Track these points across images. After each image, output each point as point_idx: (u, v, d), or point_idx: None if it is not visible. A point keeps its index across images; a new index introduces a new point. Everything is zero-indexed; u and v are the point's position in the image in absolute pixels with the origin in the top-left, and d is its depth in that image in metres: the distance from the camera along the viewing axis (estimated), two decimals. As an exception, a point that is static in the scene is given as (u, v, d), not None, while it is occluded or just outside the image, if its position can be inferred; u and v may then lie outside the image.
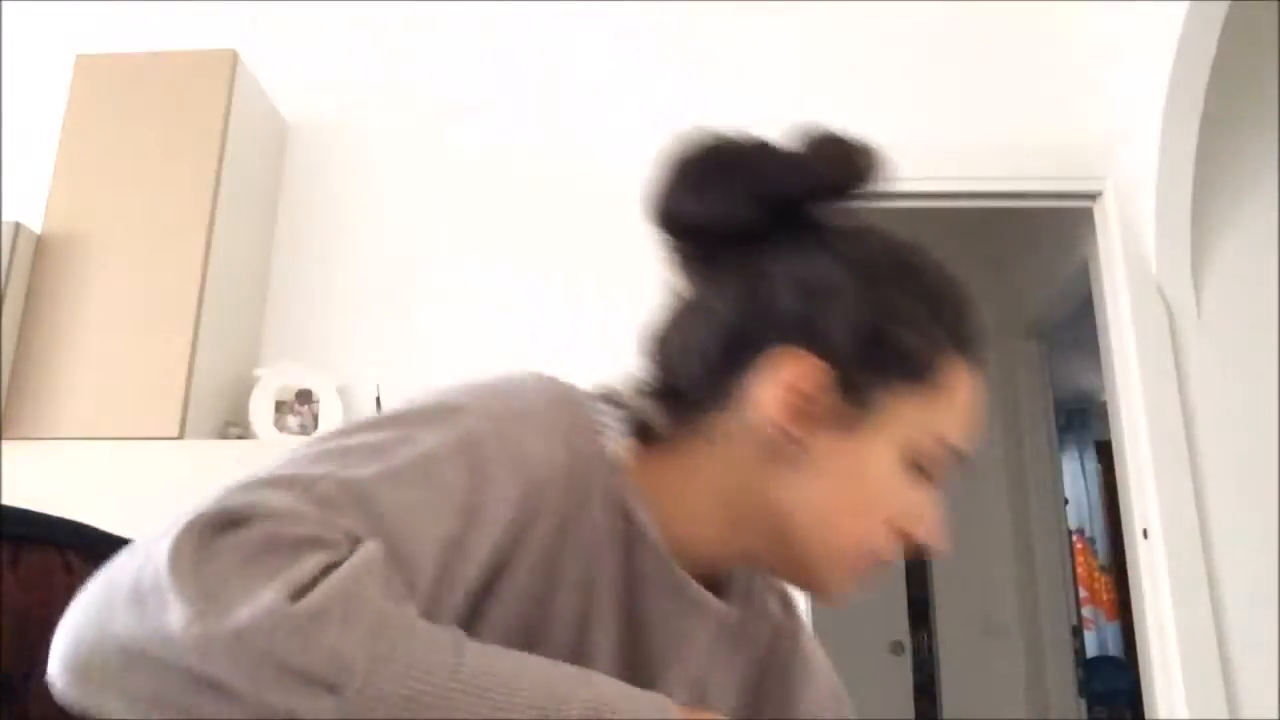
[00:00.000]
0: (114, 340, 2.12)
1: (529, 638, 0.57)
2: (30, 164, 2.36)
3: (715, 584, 0.67)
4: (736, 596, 0.69)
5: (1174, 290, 2.33)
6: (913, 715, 3.86)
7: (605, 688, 0.49)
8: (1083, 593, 5.80)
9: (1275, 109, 2.36)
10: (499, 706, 0.45)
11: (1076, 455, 6.13)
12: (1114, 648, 5.94)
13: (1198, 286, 2.33)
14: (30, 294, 2.16)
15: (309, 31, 2.66)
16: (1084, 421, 6.07)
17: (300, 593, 0.42)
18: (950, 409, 0.62)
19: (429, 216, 2.51)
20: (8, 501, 0.72)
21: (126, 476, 1.97)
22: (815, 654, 0.77)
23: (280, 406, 2.25)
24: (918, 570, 4.05)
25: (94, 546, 0.69)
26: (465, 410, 0.56)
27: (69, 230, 2.20)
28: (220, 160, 2.25)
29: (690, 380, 0.63)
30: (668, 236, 0.64)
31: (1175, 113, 2.21)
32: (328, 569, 0.44)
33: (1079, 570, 5.74)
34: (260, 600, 0.41)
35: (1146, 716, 2.27)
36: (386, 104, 2.60)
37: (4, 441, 2.02)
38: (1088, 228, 2.53)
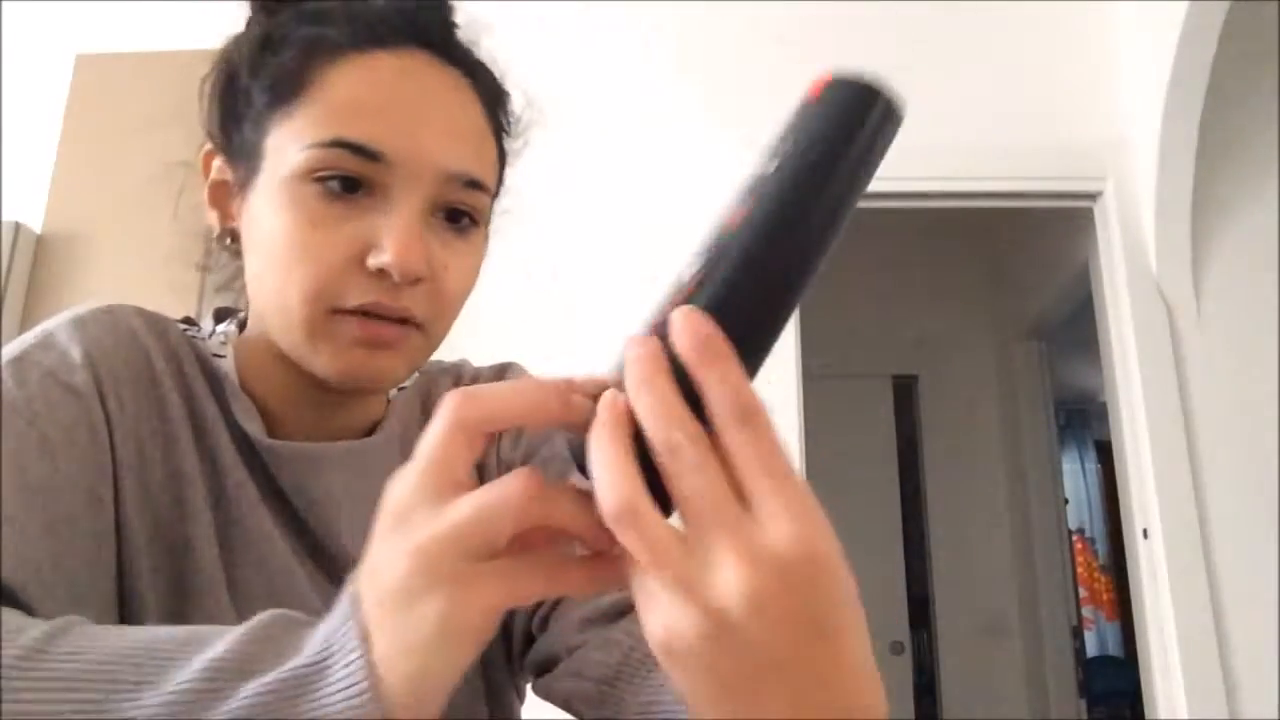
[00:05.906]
0: (114, 340, 2.12)
1: (174, 551, 0.56)
2: (30, 164, 2.35)
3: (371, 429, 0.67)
4: (388, 422, 0.68)
5: (1174, 290, 2.33)
6: (913, 715, 3.86)
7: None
8: (1083, 593, 5.81)
9: (1275, 109, 2.36)
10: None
11: (1076, 455, 6.14)
12: (1114, 648, 5.94)
13: (1198, 286, 2.33)
14: (30, 294, 2.15)
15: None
16: (1084, 421, 6.08)
17: None
18: (324, 110, 0.56)
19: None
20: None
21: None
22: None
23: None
24: (918, 570, 4.06)
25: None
26: None
27: (69, 230, 2.20)
28: (220, 160, 2.25)
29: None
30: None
31: (1175, 113, 2.21)
32: None
33: (1079, 570, 5.74)
34: None
35: (1146, 716, 2.26)
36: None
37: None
38: (1088, 228, 2.53)
